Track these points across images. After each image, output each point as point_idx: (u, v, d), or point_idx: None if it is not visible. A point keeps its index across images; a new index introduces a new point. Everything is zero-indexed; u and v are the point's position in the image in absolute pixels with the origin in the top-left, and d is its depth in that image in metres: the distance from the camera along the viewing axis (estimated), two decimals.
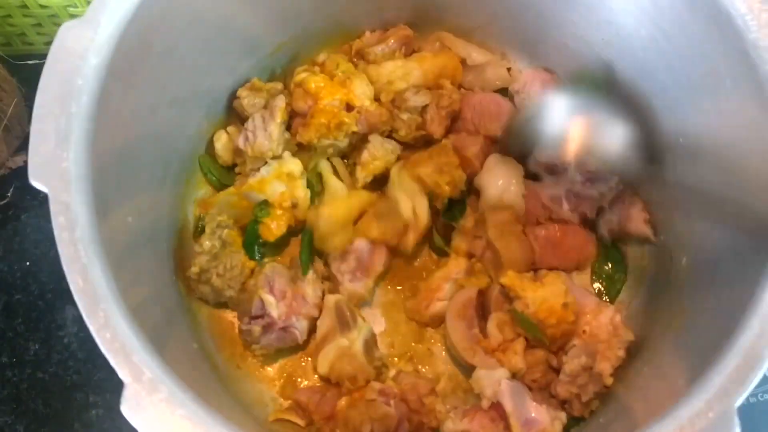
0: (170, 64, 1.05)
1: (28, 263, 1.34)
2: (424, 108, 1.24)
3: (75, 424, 1.24)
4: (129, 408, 0.77)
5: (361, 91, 1.21)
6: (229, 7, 1.11)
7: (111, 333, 0.79)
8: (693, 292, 1.03)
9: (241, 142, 1.20)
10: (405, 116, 1.23)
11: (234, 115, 1.27)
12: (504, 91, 1.32)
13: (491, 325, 1.10)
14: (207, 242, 1.12)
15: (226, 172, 1.26)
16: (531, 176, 1.21)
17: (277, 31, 1.24)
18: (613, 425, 1.02)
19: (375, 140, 1.23)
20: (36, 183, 0.84)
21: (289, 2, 1.20)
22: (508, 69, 1.32)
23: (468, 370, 1.12)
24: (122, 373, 0.78)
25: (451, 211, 1.23)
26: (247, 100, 1.23)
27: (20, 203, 1.38)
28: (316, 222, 1.17)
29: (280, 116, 1.19)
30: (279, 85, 1.26)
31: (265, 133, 1.18)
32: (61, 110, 0.86)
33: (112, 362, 0.78)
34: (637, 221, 1.19)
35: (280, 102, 1.20)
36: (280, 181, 1.18)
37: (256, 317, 1.11)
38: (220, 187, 1.25)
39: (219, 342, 1.19)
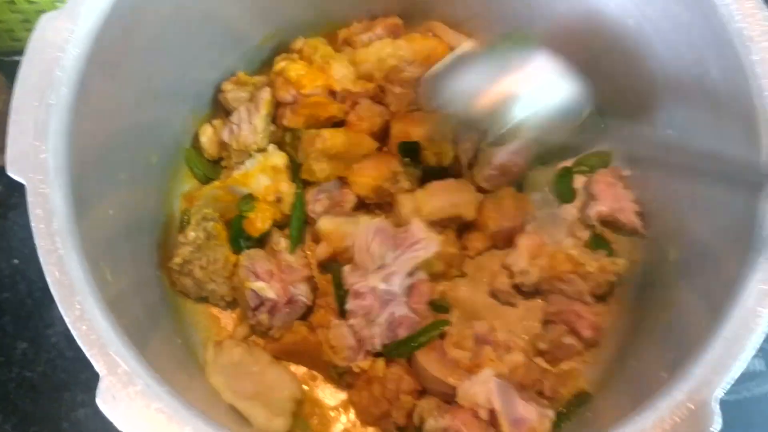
0: (154, 57, 1.04)
1: (16, 261, 1.33)
2: (417, 81, 1.20)
3: (63, 423, 1.23)
4: (104, 401, 0.76)
5: (341, 75, 1.20)
6: None
7: (87, 325, 0.78)
8: (681, 286, 1.02)
9: (225, 135, 1.18)
10: (398, 90, 1.20)
11: (220, 109, 1.26)
12: None
13: (450, 350, 1.09)
14: (191, 233, 1.11)
15: (212, 167, 1.25)
16: None
17: (262, 22, 1.23)
18: (600, 419, 1.01)
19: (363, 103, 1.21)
20: (13, 174, 0.84)
21: None
22: None
23: None
24: (97, 366, 0.77)
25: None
26: (232, 93, 1.22)
27: (7, 201, 1.37)
28: (313, 140, 1.16)
29: (265, 108, 1.18)
30: (264, 78, 1.25)
31: (250, 125, 1.17)
32: (39, 102, 0.85)
33: (88, 354, 0.77)
34: (628, 213, 1.18)
35: (266, 94, 1.19)
36: (264, 175, 1.17)
37: (257, 307, 1.10)
38: (205, 181, 1.23)
39: (204, 336, 1.18)
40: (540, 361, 1.13)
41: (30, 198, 0.82)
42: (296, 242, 1.17)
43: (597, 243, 1.20)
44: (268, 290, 1.09)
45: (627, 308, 1.16)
